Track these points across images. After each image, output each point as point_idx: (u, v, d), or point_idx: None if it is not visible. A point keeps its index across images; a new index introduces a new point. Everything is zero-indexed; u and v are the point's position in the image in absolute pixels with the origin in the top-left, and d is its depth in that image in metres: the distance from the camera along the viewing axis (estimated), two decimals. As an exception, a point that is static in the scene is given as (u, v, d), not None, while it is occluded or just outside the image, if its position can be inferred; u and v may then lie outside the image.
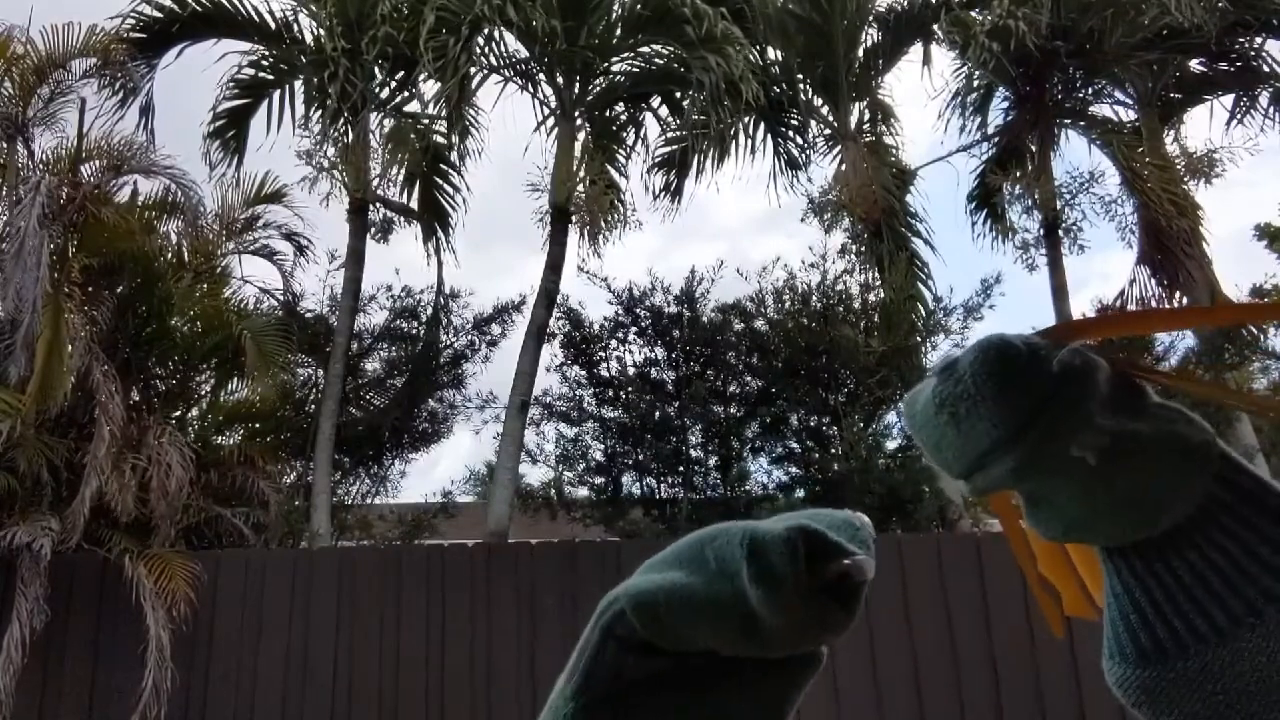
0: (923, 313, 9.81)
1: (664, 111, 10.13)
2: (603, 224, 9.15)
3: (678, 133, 9.78)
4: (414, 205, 10.21)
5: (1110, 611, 0.49)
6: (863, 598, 0.45)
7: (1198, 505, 0.46)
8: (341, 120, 8.63)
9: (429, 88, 8.86)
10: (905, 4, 10.04)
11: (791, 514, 0.48)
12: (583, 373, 10.44)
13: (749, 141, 10.16)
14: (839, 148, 10.33)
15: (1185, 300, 9.57)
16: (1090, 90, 10.39)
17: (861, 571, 0.44)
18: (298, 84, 9.34)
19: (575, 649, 0.49)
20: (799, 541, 0.43)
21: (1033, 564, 0.68)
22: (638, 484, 10.09)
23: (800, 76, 10.34)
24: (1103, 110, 10.57)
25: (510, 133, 14.96)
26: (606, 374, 10.44)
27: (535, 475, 10.89)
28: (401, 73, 9.31)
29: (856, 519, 0.48)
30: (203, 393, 8.86)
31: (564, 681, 0.48)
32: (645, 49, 9.32)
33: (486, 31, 8.48)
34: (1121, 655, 0.48)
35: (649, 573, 0.48)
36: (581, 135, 9.47)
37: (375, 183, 9.58)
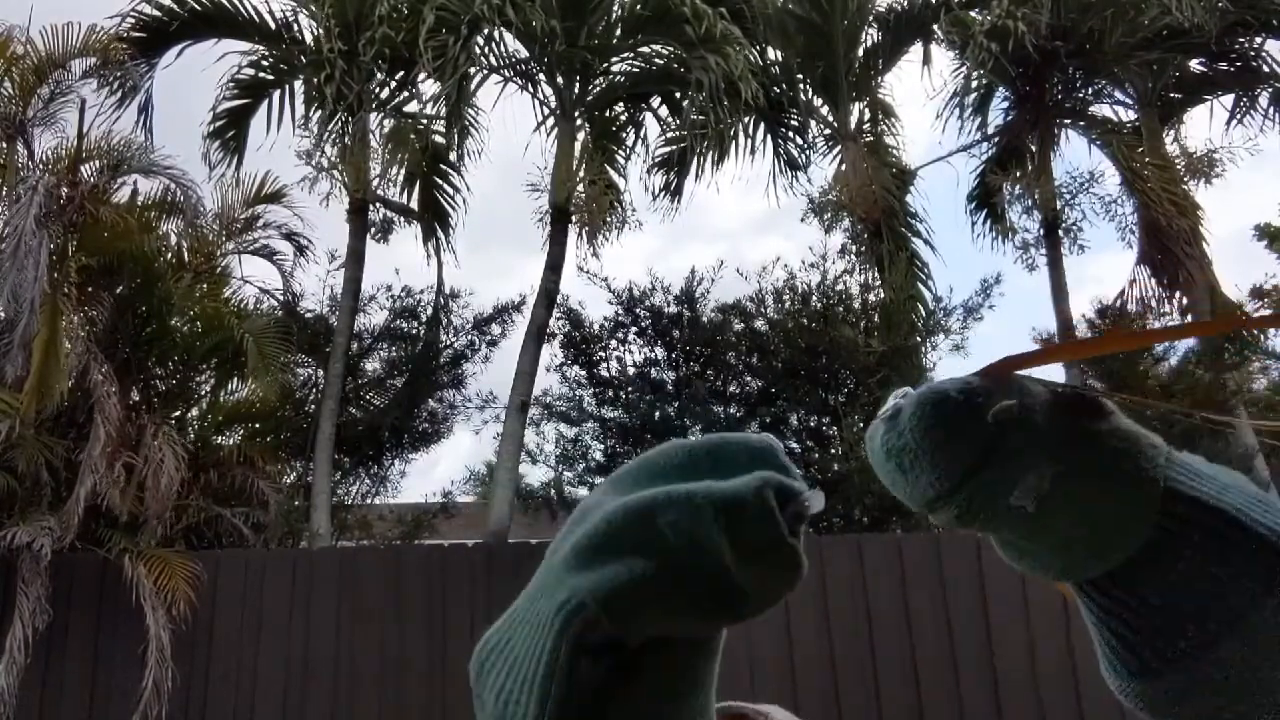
0: (923, 313, 9.82)
1: (664, 111, 10.12)
2: (602, 224, 9.15)
3: (677, 133, 9.77)
4: (414, 205, 10.21)
5: (1093, 633, 0.51)
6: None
7: (1148, 538, 0.47)
8: (338, 121, 8.63)
9: (429, 87, 8.87)
10: (905, 4, 10.04)
11: (710, 444, 0.45)
12: (583, 373, 10.44)
13: (749, 141, 10.16)
14: (839, 148, 10.33)
15: (1184, 300, 9.58)
16: (1090, 90, 10.39)
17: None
18: (298, 84, 9.34)
19: (509, 664, 0.43)
20: (771, 500, 0.40)
21: None
22: (638, 484, 10.08)
23: (800, 76, 10.34)
24: (1103, 110, 10.58)
25: (510, 133, 14.99)
26: (606, 374, 10.44)
27: (535, 475, 10.90)
28: (401, 73, 9.30)
29: (769, 441, 0.46)
30: (202, 393, 8.86)
31: (522, 707, 0.41)
32: (645, 49, 9.31)
33: (486, 31, 8.47)
34: (1113, 670, 0.50)
35: (589, 564, 0.42)
36: (581, 135, 9.46)
37: (375, 183, 9.58)
